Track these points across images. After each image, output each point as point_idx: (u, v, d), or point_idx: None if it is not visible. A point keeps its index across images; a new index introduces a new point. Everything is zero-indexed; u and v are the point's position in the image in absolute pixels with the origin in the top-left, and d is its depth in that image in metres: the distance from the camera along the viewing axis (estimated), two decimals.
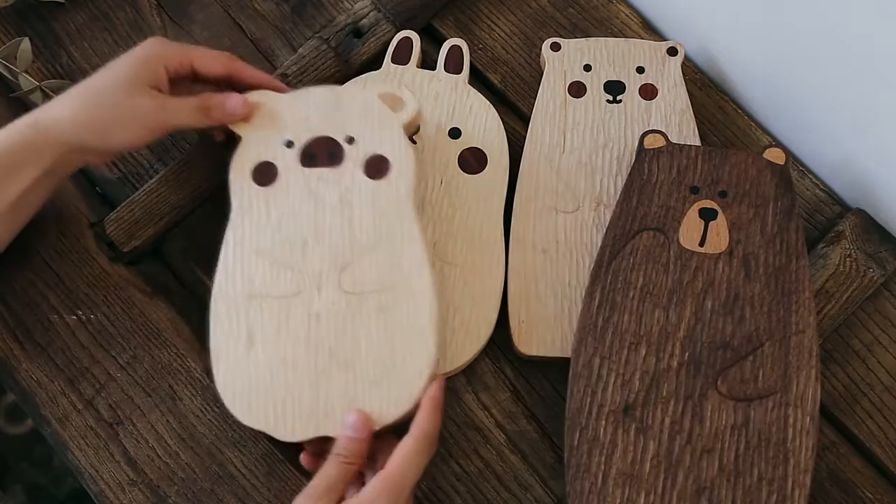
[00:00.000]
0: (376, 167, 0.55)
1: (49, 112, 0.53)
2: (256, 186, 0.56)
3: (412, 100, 0.57)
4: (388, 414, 0.50)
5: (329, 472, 0.48)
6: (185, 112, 0.55)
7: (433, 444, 0.50)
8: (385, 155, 0.56)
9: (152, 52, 0.55)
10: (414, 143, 0.61)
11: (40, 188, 0.55)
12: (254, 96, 0.58)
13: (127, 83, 0.53)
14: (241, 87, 0.58)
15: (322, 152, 0.56)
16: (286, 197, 0.55)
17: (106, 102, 0.53)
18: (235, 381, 0.52)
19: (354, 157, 0.56)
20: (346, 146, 0.56)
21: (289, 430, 0.51)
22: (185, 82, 0.58)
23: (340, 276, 0.53)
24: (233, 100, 0.56)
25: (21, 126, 0.53)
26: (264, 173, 0.56)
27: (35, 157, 0.53)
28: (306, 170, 0.56)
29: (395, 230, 0.54)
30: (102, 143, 0.54)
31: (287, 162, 0.56)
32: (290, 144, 0.56)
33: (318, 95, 0.58)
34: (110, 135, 0.53)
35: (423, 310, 0.52)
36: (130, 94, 0.53)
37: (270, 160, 0.56)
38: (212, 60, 0.57)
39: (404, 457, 0.48)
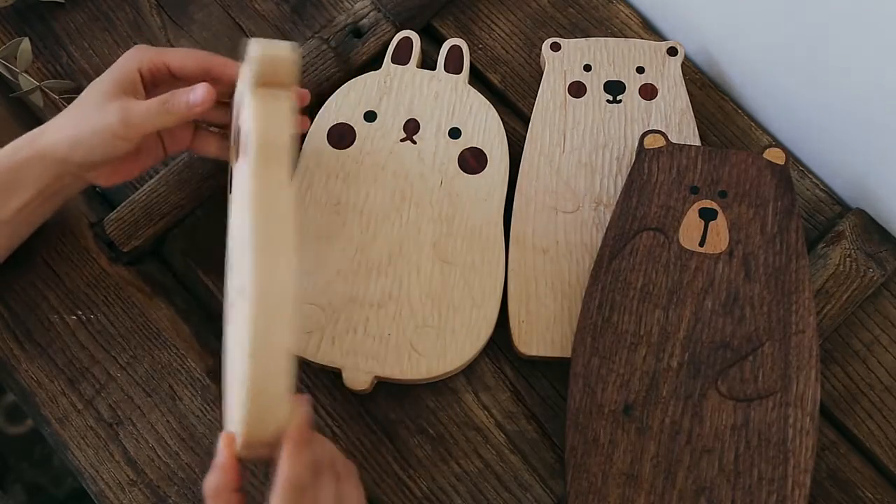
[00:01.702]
0: (241, 145, 0.46)
1: (45, 129, 0.54)
2: None
3: (255, 46, 0.45)
4: (238, 436, 0.43)
5: None
6: (147, 113, 0.52)
7: (305, 490, 0.43)
8: (242, 125, 0.46)
9: (128, 58, 0.54)
10: (414, 142, 0.61)
11: (40, 207, 0.55)
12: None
13: (100, 95, 0.53)
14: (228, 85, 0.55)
15: (238, 138, 0.50)
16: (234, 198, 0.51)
17: (81, 116, 0.53)
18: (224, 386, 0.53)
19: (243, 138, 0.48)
20: (243, 126, 0.48)
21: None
22: (167, 85, 0.56)
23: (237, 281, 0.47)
24: (195, 92, 0.52)
25: (21, 143, 0.53)
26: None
27: (31, 175, 0.53)
28: (238, 161, 0.50)
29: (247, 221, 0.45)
30: (83, 158, 0.53)
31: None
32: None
33: (243, 72, 0.51)
34: (88, 148, 0.52)
35: (256, 311, 0.42)
36: (100, 106, 0.52)
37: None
38: (188, 58, 0.55)
39: None
